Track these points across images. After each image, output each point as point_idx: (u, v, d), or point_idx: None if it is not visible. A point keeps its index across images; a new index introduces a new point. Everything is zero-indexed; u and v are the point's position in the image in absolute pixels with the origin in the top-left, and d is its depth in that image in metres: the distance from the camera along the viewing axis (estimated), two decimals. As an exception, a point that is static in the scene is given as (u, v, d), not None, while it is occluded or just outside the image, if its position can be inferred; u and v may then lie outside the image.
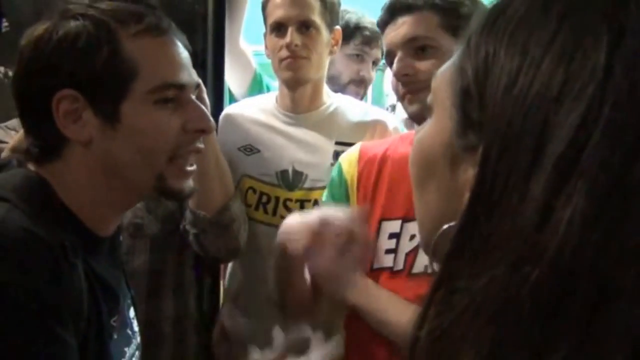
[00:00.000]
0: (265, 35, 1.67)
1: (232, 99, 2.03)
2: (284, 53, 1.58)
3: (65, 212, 0.88)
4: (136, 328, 1.02)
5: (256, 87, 2.01)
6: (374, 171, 1.37)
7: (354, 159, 1.41)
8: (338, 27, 1.67)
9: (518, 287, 0.41)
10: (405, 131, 1.57)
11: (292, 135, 1.66)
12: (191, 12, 1.60)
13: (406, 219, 1.30)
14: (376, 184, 1.37)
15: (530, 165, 0.43)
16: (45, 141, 0.90)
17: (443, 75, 0.54)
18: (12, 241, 0.77)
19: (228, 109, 1.75)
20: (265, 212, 1.65)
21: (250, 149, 1.68)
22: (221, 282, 1.86)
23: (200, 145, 0.96)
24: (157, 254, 1.53)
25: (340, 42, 1.70)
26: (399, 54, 1.29)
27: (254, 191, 1.66)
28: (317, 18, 1.59)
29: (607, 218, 0.40)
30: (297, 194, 1.62)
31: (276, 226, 1.51)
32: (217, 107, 1.71)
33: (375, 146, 1.43)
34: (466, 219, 0.47)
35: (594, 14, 0.44)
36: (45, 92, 0.86)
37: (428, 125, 0.55)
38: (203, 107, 0.95)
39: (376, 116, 1.66)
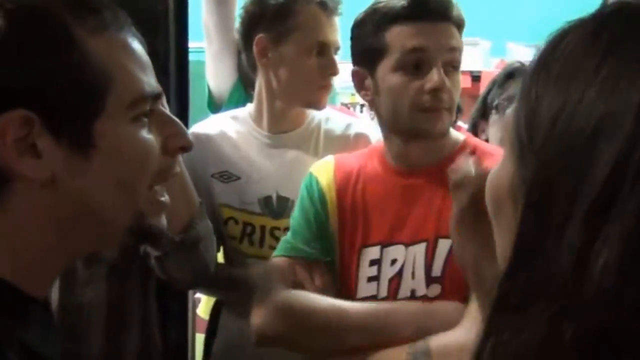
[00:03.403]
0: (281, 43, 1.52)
1: (211, 102, 1.89)
2: (326, 77, 1.51)
3: None
4: None
5: (240, 88, 1.87)
6: (350, 190, 1.30)
7: (330, 173, 1.32)
8: None
9: (557, 344, 0.40)
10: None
11: (273, 157, 1.56)
12: (149, 10, 1.46)
13: (385, 244, 1.25)
14: (353, 206, 1.29)
15: (566, 209, 0.42)
16: None
17: (510, 114, 0.55)
18: None
19: (195, 129, 1.60)
20: (252, 243, 1.55)
21: (227, 176, 1.56)
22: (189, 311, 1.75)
23: (178, 169, 0.79)
24: (117, 283, 1.40)
25: None
26: (439, 63, 1.21)
27: (236, 222, 1.55)
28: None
29: None
30: (284, 222, 1.49)
31: (265, 258, 1.44)
32: (182, 120, 1.57)
33: (349, 160, 1.35)
34: (509, 265, 0.46)
35: (632, 55, 0.44)
36: None
37: (500, 162, 0.56)
38: (177, 119, 0.78)
39: (359, 129, 1.58)
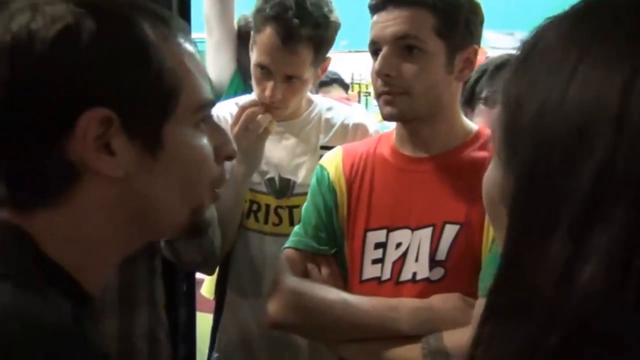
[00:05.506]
0: (251, 49, 1.58)
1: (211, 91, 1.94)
2: (264, 97, 1.53)
3: (58, 274, 0.67)
4: None
5: (239, 78, 1.92)
6: (359, 177, 1.33)
7: (339, 163, 1.36)
8: (329, 56, 1.61)
9: (542, 353, 0.41)
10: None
11: (276, 142, 1.63)
12: (153, 2, 1.49)
13: (391, 229, 1.27)
14: (362, 191, 1.32)
15: (549, 221, 0.41)
16: (38, 182, 0.67)
17: (495, 112, 0.52)
18: (22, 339, 0.58)
19: None
20: (257, 220, 1.62)
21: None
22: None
23: (227, 176, 0.83)
24: (128, 264, 1.43)
25: (328, 67, 1.66)
26: (384, 50, 1.22)
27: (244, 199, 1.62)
28: (305, 72, 1.53)
29: (631, 282, 0.37)
30: (286, 201, 1.60)
31: (267, 234, 1.59)
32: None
33: (357, 148, 1.38)
34: (496, 277, 0.45)
35: (611, 49, 0.42)
36: (63, 112, 0.65)
37: (491, 163, 0.53)
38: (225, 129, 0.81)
39: (357, 119, 1.66)
